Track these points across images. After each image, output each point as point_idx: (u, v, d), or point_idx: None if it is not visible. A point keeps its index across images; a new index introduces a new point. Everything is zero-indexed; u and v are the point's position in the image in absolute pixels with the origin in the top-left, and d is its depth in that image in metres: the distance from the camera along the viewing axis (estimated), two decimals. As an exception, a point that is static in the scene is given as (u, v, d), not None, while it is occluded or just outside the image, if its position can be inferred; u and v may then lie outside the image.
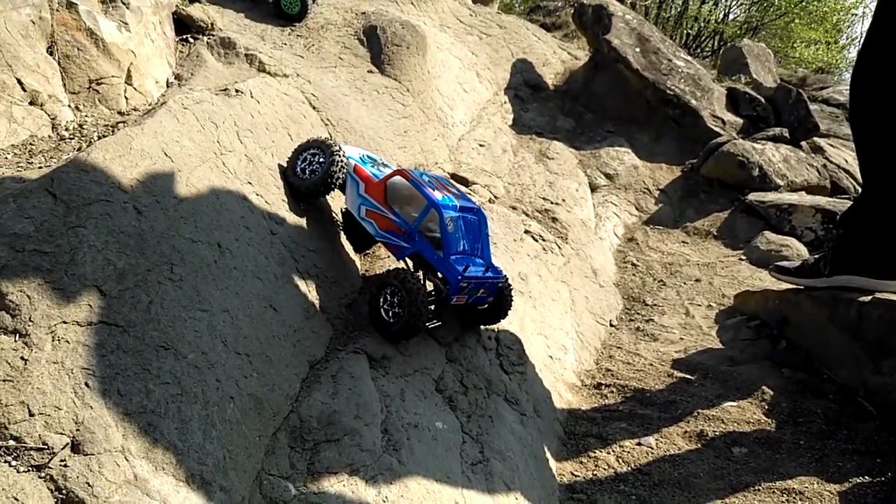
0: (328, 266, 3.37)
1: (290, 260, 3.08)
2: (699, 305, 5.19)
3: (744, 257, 5.92)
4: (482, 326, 3.57)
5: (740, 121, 7.72)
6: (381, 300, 3.07)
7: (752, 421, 3.49)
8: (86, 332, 1.95)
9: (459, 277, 3.03)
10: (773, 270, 4.20)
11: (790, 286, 4.17)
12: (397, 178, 3.30)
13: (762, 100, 7.92)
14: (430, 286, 3.31)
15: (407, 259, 3.35)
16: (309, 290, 3.07)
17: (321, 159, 3.38)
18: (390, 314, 3.03)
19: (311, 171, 3.41)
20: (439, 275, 3.19)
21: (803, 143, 7.77)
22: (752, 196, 6.55)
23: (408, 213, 3.28)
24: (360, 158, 3.59)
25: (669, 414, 3.62)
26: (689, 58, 8.49)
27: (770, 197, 6.47)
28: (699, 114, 7.48)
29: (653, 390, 3.88)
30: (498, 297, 3.41)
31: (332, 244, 3.57)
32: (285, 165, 3.52)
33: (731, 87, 8.17)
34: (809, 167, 7.26)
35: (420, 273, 3.31)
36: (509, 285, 3.45)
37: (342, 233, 3.70)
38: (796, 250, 5.66)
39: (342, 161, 3.37)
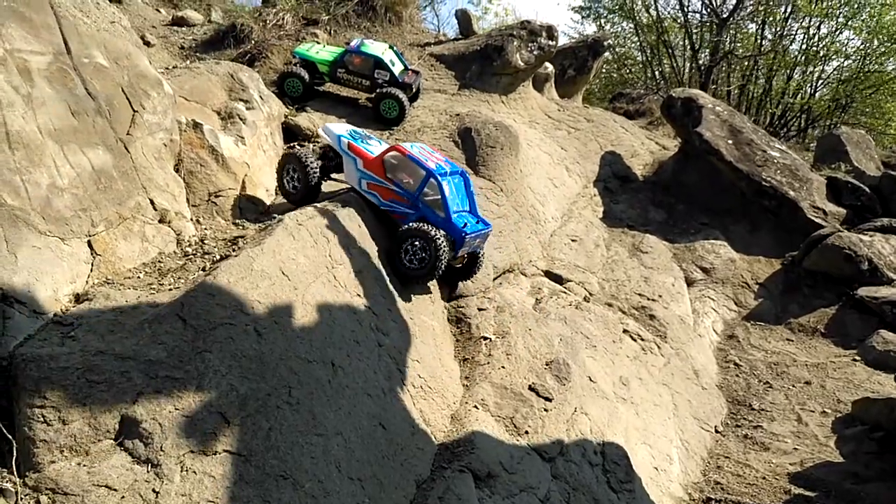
0: (430, 376, 3.36)
1: (396, 372, 3.09)
2: (812, 411, 4.86)
3: (858, 358, 5.53)
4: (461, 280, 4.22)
5: (843, 211, 7.41)
6: (403, 252, 3.66)
7: (889, 554, 3.17)
8: (211, 462, 1.99)
9: (464, 234, 3.68)
10: (902, 382, 3.89)
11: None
12: (393, 152, 3.86)
13: (866, 189, 7.60)
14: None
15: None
16: (414, 403, 3.06)
17: (299, 175, 3.94)
18: (414, 261, 3.64)
19: (297, 182, 3.98)
20: (443, 233, 3.70)
21: (915, 233, 7.34)
22: (863, 291, 6.17)
23: (401, 180, 3.84)
24: (350, 135, 4.14)
25: (792, 540, 3.35)
26: (784, 147, 8.29)
27: (884, 292, 6.08)
28: (798, 205, 7.22)
29: (770, 510, 3.61)
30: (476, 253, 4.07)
31: (434, 350, 3.58)
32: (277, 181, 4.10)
33: (831, 175, 7.88)
34: (924, 259, 6.82)
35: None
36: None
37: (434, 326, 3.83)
38: (919, 352, 5.26)
39: (315, 169, 3.94)
